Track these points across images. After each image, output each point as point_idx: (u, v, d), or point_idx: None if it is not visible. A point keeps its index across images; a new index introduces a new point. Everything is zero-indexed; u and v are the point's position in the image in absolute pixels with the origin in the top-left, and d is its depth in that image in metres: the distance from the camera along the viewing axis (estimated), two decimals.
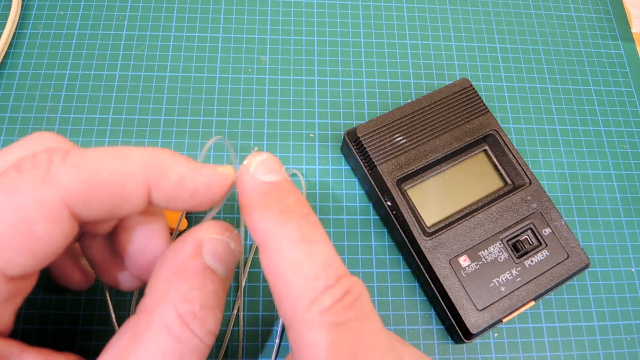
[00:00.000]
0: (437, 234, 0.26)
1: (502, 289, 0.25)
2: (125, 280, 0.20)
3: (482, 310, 0.25)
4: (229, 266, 0.17)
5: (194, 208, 0.17)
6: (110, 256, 0.20)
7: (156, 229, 0.18)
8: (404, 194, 0.27)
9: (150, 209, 0.19)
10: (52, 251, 0.15)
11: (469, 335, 0.25)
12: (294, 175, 0.30)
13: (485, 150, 0.29)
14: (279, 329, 0.26)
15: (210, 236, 0.16)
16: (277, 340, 0.26)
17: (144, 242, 0.18)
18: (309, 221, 0.16)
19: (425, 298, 0.28)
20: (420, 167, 0.28)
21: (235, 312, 0.26)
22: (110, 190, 0.15)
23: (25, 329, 0.25)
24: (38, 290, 0.26)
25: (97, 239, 0.19)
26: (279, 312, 0.15)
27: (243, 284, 0.27)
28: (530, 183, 0.28)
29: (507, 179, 0.29)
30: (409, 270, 0.28)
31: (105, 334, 0.26)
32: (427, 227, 0.27)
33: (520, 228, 0.27)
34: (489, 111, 0.29)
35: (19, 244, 0.14)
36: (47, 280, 0.26)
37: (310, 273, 0.15)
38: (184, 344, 0.15)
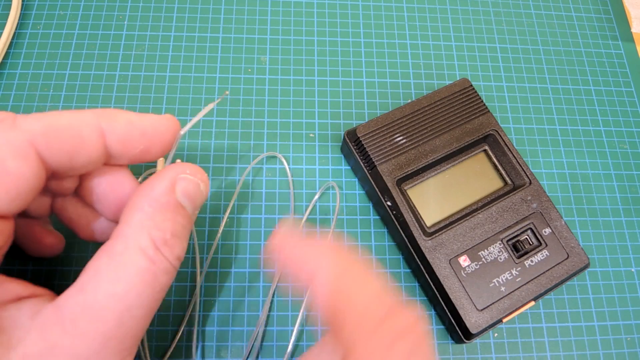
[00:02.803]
0: (437, 234, 0.26)
1: (502, 289, 0.25)
2: (100, 229, 0.22)
3: (482, 310, 0.25)
4: (196, 204, 0.19)
5: (148, 152, 0.19)
6: (83, 210, 0.22)
7: (121, 172, 0.21)
8: (404, 194, 0.27)
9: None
10: (23, 189, 0.16)
11: (469, 335, 0.25)
12: (332, 188, 0.29)
13: (485, 150, 0.29)
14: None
15: (184, 175, 0.18)
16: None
17: (111, 183, 0.20)
18: (354, 254, 0.18)
19: (425, 298, 0.28)
20: (420, 167, 0.28)
21: (189, 312, 0.26)
22: (69, 134, 0.17)
23: None
24: (14, 262, 0.26)
25: (69, 199, 0.21)
26: (337, 340, 0.16)
27: (200, 284, 0.27)
28: (530, 183, 0.28)
29: (507, 179, 0.29)
30: (409, 270, 0.28)
31: None
32: (427, 227, 0.27)
33: (520, 228, 0.27)
34: (489, 111, 0.29)
35: None
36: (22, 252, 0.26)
37: (368, 298, 0.15)
38: (157, 265, 0.17)
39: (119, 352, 0.16)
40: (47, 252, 0.24)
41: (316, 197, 0.29)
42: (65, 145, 0.17)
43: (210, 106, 0.22)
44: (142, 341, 0.25)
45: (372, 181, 0.28)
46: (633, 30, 0.37)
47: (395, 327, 0.15)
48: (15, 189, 0.16)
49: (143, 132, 0.19)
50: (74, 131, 0.17)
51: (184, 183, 0.18)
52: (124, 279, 0.16)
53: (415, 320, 0.15)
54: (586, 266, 0.27)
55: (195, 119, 0.21)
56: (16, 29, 0.32)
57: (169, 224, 0.17)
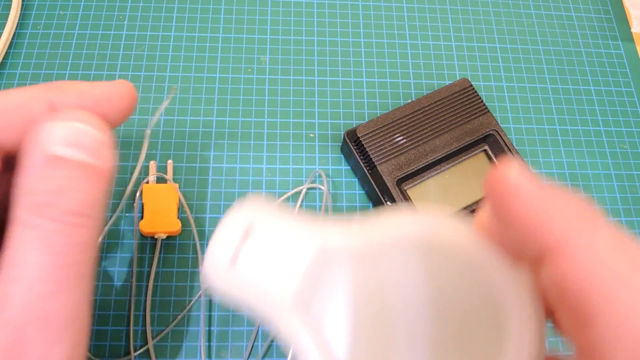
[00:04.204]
0: None
1: None
2: None
3: None
4: (86, 145, 0.16)
5: (105, 119, 0.18)
6: None
7: None
8: (404, 194, 0.27)
9: None
10: None
11: None
12: (319, 176, 0.29)
13: (485, 150, 0.29)
14: None
15: (49, 124, 0.16)
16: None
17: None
18: (614, 227, 0.11)
19: None
20: (420, 167, 0.28)
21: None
22: (17, 112, 0.17)
23: None
24: None
25: None
26: (576, 340, 0.11)
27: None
28: None
29: None
30: None
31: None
32: None
33: None
34: (489, 111, 0.29)
35: None
36: None
37: None
38: (43, 229, 0.15)
39: (45, 339, 0.15)
40: None
41: (306, 185, 0.29)
42: (14, 124, 0.17)
43: (165, 103, 0.23)
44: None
45: (372, 181, 0.28)
46: (633, 30, 0.37)
47: None
48: None
49: (96, 101, 0.18)
50: (21, 108, 0.17)
51: (52, 132, 0.16)
52: (19, 259, 0.15)
53: None
54: None
55: (155, 118, 0.22)
56: (16, 29, 0.32)
57: (42, 184, 0.16)
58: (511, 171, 0.12)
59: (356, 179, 0.30)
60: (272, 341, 0.26)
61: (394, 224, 0.16)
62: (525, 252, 0.12)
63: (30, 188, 0.16)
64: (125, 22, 0.33)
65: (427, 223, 0.15)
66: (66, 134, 0.16)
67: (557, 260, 0.11)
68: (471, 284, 0.15)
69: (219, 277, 0.16)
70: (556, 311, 0.11)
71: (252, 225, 0.16)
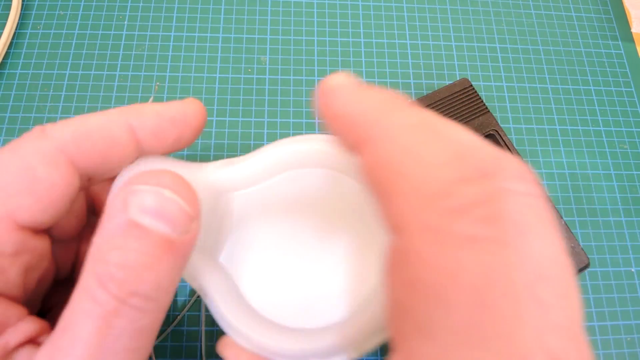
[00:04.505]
0: None
1: None
2: None
3: None
4: (170, 218, 0.14)
5: (180, 140, 0.18)
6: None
7: None
8: None
9: None
10: (55, 198, 0.16)
11: None
12: None
13: None
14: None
15: (135, 187, 0.15)
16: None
17: None
18: (432, 113, 0.12)
19: None
20: None
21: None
22: (99, 135, 0.16)
23: None
24: None
25: None
26: (386, 221, 0.12)
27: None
28: None
29: None
30: None
31: None
32: None
33: None
34: (489, 111, 0.29)
35: (25, 188, 0.15)
36: None
37: (438, 159, 0.11)
38: (103, 307, 0.14)
39: None
40: None
41: None
42: (96, 148, 0.16)
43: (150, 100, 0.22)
44: None
45: None
46: (633, 30, 0.37)
47: (465, 196, 0.10)
48: (47, 197, 0.16)
49: (173, 121, 0.18)
50: (103, 132, 0.17)
51: (137, 196, 0.14)
52: (71, 327, 0.14)
53: (521, 174, 0.11)
54: (586, 266, 0.27)
55: None
56: (16, 29, 0.32)
57: (115, 254, 0.14)
58: (334, 77, 0.14)
59: None
60: None
61: (269, 152, 0.18)
62: (349, 145, 0.13)
63: (101, 254, 0.14)
64: (125, 22, 0.33)
65: (296, 145, 0.18)
66: (153, 201, 0.15)
67: (365, 152, 0.12)
68: (339, 188, 0.18)
69: None
70: (377, 198, 0.12)
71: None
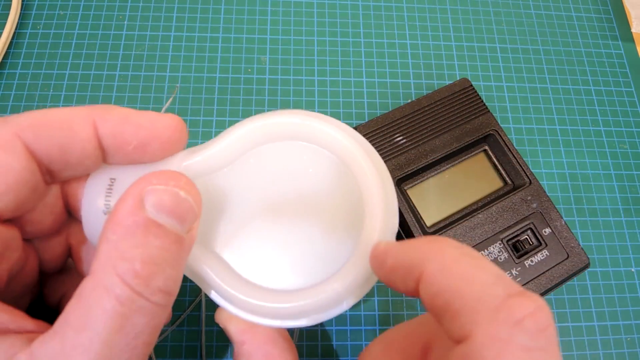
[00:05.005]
0: (437, 234, 0.26)
1: None
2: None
3: None
4: (183, 217, 0.15)
5: (144, 150, 0.17)
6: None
7: None
8: (404, 194, 0.27)
9: None
10: (12, 181, 0.15)
11: None
12: None
13: (485, 150, 0.29)
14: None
15: (152, 187, 0.15)
16: None
17: None
18: (462, 244, 0.15)
19: None
20: (420, 167, 0.28)
21: None
22: (58, 125, 0.16)
23: None
24: None
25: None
26: (451, 334, 0.14)
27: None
28: (530, 183, 0.28)
29: (507, 179, 0.29)
30: None
31: None
32: (427, 227, 0.27)
33: (520, 228, 0.27)
34: (489, 111, 0.29)
35: None
36: None
37: (487, 281, 0.14)
38: (127, 306, 0.14)
39: None
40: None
41: None
42: (54, 138, 0.16)
43: (167, 104, 0.23)
44: None
45: None
46: (633, 30, 0.37)
47: (518, 311, 0.13)
48: (2, 182, 0.15)
49: (138, 127, 0.17)
50: (63, 123, 0.16)
51: (154, 195, 0.15)
52: (88, 326, 0.14)
53: (540, 305, 0.13)
54: (586, 266, 0.27)
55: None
56: (16, 29, 0.32)
57: (138, 251, 0.14)
58: (379, 244, 0.17)
59: None
60: None
61: (235, 132, 0.19)
62: (409, 287, 0.16)
63: (120, 251, 0.14)
64: (125, 22, 0.33)
65: (262, 121, 0.19)
66: (170, 200, 0.15)
67: (423, 287, 0.15)
68: (308, 158, 0.19)
69: (98, 229, 0.17)
70: (440, 318, 0.15)
71: (113, 178, 0.17)
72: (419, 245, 0.16)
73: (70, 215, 0.19)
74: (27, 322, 0.16)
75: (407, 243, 0.16)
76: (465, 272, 0.14)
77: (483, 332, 0.13)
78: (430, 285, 0.14)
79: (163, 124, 0.17)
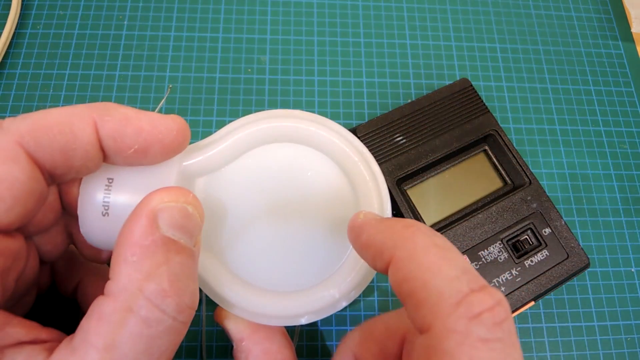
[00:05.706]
0: None
1: (502, 289, 0.25)
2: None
3: None
4: (192, 232, 0.16)
5: (145, 153, 0.17)
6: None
7: None
8: (404, 194, 0.27)
9: None
10: (19, 194, 0.15)
11: None
12: None
13: (485, 150, 0.29)
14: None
15: (164, 205, 0.15)
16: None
17: None
18: (436, 232, 0.16)
19: None
20: (420, 167, 0.28)
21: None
22: (58, 129, 0.15)
23: None
24: None
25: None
26: (414, 322, 0.15)
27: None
28: (530, 183, 0.28)
29: (507, 179, 0.29)
30: None
31: None
32: None
33: (520, 228, 0.27)
34: (489, 111, 0.29)
35: None
36: None
37: (451, 274, 0.14)
38: (154, 327, 0.14)
39: None
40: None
41: None
42: (56, 142, 0.15)
43: (161, 103, 0.23)
44: None
45: None
46: (633, 30, 0.37)
47: (477, 306, 0.13)
48: (10, 196, 0.15)
49: (139, 129, 0.16)
50: (63, 126, 0.15)
51: (167, 213, 0.15)
52: (114, 348, 0.14)
53: (498, 300, 0.14)
54: (586, 266, 0.27)
55: None
56: (16, 29, 0.32)
57: (163, 270, 0.14)
58: (359, 214, 0.18)
59: None
60: None
61: (233, 135, 0.19)
62: (378, 267, 0.16)
63: (144, 272, 0.14)
64: (125, 22, 0.33)
65: (259, 124, 0.19)
66: (180, 217, 0.15)
67: (392, 271, 0.15)
68: (303, 160, 0.20)
69: (96, 229, 0.17)
70: (405, 304, 0.15)
71: (111, 178, 0.17)
72: (393, 227, 0.16)
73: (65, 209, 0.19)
74: (40, 332, 0.15)
75: (384, 222, 0.17)
76: (431, 263, 0.14)
77: (442, 325, 0.13)
78: (398, 271, 0.15)
79: (165, 126, 0.17)
